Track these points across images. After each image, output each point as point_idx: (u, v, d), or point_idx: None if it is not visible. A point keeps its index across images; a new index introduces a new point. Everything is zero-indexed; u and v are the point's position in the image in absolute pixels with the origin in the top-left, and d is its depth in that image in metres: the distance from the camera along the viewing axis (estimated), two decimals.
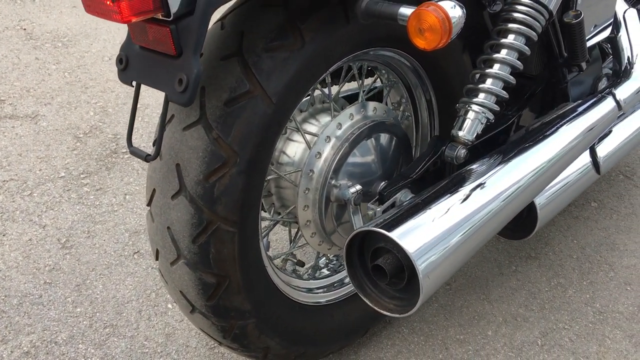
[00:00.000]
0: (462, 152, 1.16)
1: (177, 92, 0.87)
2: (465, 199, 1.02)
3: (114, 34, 2.69)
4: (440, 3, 0.92)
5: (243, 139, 0.94)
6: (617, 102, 1.38)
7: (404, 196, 1.16)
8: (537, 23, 1.17)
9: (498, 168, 1.11)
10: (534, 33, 1.17)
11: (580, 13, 1.29)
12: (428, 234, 0.94)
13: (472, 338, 1.38)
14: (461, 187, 1.05)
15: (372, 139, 1.18)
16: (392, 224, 0.93)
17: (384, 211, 1.14)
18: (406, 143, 1.27)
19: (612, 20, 1.46)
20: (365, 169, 1.18)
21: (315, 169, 1.12)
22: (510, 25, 1.17)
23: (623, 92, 1.39)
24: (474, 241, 1.00)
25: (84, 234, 1.62)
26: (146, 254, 1.56)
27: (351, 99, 1.32)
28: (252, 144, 0.95)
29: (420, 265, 0.88)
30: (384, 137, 1.21)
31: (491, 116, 1.17)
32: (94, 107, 2.17)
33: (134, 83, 0.96)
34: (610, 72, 1.55)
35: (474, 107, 1.15)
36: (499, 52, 1.16)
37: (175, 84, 0.86)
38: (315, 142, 1.12)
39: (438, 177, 1.23)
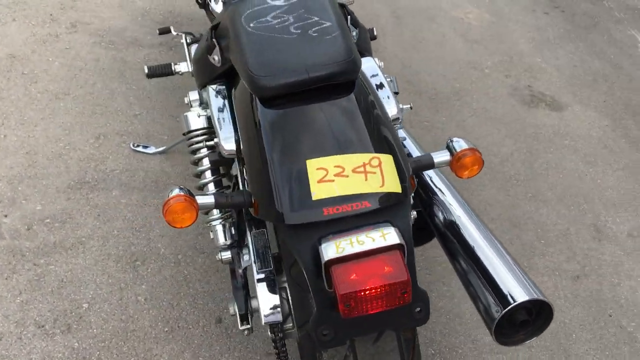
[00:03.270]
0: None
1: (416, 319, 1.13)
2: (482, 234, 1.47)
3: None
4: (467, 145, 1.32)
5: None
6: None
7: None
8: None
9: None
10: None
11: None
12: (516, 276, 1.36)
13: None
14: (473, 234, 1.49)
15: None
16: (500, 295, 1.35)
17: None
18: None
19: None
20: None
21: None
22: None
23: None
24: None
25: None
26: None
27: None
28: None
29: (547, 299, 1.27)
30: None
31: None
32: None
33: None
34: None
35: None
36: None
37: (415, 314, 1.13)
38: None
39: None
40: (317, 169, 1.12)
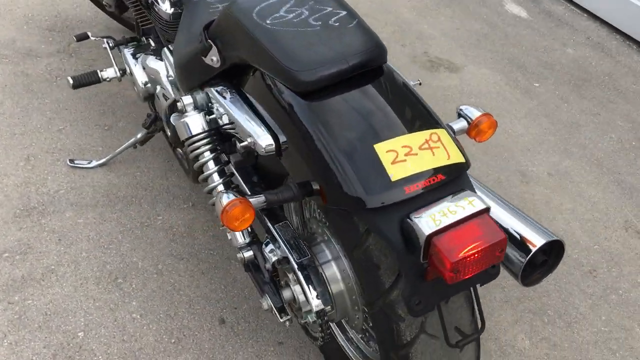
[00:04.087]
0: None
1: (491, 274, 1.24)
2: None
3: None
4: (480, 112, 1.44)
5: None
6: None
7: None
8: None
9: None
10: None
11: None
12: (525, 222, 1.47)
13: None
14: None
15: None
16: (518, 242, 1.48)
17: None
18: None
19: None
20: None
21: None
22: None
23: None
24: None
25: None
26: None
27: None
28: None
29: (561, 238, 1.38)
30: None
31: None
32: None
33: None
34: None
35: None
36: None
37: (489, 270, 1.24)
38: None
39: None
40: (387, 151, 1.19)
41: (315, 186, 1.31)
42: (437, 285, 1.20)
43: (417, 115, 1.28)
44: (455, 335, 1.33)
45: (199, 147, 1.62)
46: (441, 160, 1.20)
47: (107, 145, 2.51)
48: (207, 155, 1.62)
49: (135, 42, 2.39)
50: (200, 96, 1.63)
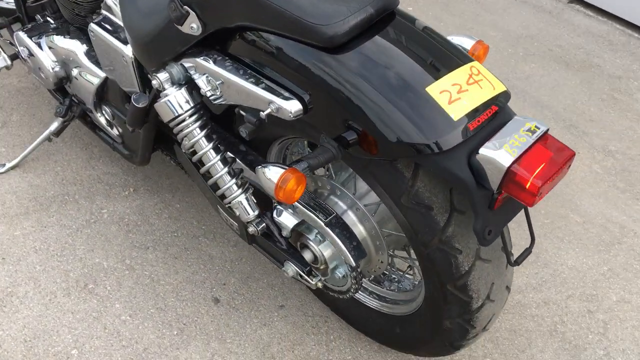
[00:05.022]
0: None
1: None
2: None
3: None
4: (473, 40, 1.46)
5: None
6: None
7: None
8: None
9: None
10: None
11: None
12: None
13: None
14: None
15: None
16: None
17: None
18: None
19: None
20: None
21: None
22: None
23: None
24: None
25: None
26: None
27: None
28: None
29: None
30: None
31: None
32: None
33: None
34: None
35: None
36: None
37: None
38: None
39: None
40: (440, 92, 1.19)
41: (351, 137, 1.27)
42: (501, 212, 1.25)
43: (449, 51, 1.29)
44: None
45: (188, 126, 1.50)
46: (489, 92, 1.23)
47: (10, 144, 2.22)
48: (198, 132, 1.51)
49: (19, 23, 2.11)
50: (175, 70, 1.49)
